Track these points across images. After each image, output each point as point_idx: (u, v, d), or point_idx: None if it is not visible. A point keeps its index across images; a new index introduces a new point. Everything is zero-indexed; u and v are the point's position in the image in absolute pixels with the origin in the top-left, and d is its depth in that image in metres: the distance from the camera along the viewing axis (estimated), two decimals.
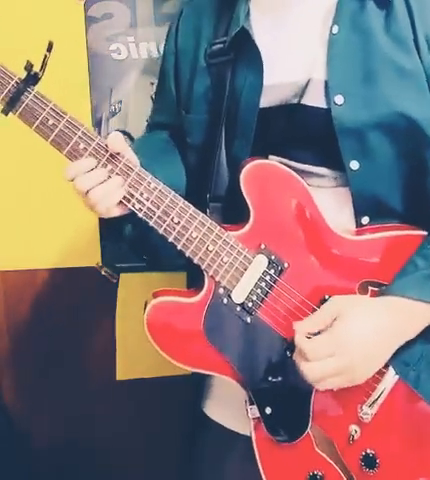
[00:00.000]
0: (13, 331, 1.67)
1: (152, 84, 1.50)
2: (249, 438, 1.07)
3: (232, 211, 1.08)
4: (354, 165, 1.04)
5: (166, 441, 1.70)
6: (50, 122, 1.00)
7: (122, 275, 1.60)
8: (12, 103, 1.00)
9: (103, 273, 1.59)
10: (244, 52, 1.09)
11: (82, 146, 1.01)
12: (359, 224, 1.07)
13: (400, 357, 1.01)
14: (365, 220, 1.06)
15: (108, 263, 1.59)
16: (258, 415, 1.04)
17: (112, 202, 1.01)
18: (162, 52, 1.29)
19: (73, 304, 1.64)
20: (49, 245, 1.58)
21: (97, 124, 1.52)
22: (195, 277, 1.08)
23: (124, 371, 1.66)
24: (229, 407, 1.15)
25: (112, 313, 1.61)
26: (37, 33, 1.36)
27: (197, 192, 1.11)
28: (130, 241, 1.13)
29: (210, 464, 1.21)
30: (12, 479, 1.64)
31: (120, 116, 1.52)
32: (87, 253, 1.59)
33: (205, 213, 1.05)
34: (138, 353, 1.63)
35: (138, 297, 1.62)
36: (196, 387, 1.24)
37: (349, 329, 0.97)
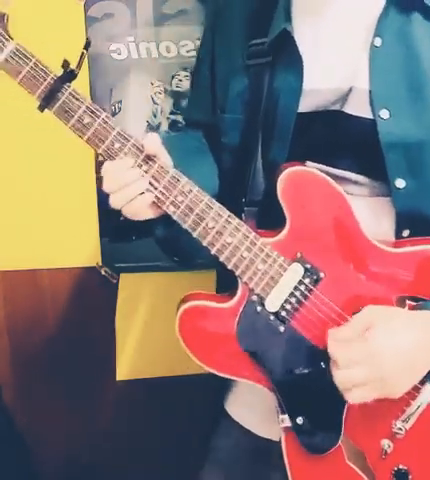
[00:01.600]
0: (13, 331, 1.67)
1: (152, 84, 1.50)
2: (271, 442, 1.07)
3: (267, 216, 1.05)
4: (400, 183, 1.01)
5: (166, 441, 1.70)
6: (86, 120, 0.99)
7: (122, 275, 1.60)
8: (48, 100, 0.99)
9: (103, 273, 1.59)
10: (284, 55, 1.05)
11: (117, 146, 0.99)
12: (399, 236, 1.04)
13: None
14: (406, 233, 1.03)
15: (108, 263, 1.59)
16: (289, 424, 1.02)
17: (144, 203, 0.99)
18: (196, 51, 1.25)
19: (73, 304, 1.64)
20: (49, 245, 1.58)
21: None
22: (226, 279, 1.05)
23: (124, 371, 1.66)
24: (253, 409, 1.14)
25: (112, 313, 1.61)
26: (37, 33, 1.36)
27: (231, 195, 1.09)
28: (161, 242, 1.10)
29: (229, 464, 1.20)
30: (12, 479, 1.64)
31: (120, 116, 1.52)
32: (87, 253, 1.59)
33: (240, 217, 1.03)
34: (138, 353, 1.63)
35: (138, 297, 1.63)
36: (218, 385, 1.21)
37: (382, 340, 0.95)
